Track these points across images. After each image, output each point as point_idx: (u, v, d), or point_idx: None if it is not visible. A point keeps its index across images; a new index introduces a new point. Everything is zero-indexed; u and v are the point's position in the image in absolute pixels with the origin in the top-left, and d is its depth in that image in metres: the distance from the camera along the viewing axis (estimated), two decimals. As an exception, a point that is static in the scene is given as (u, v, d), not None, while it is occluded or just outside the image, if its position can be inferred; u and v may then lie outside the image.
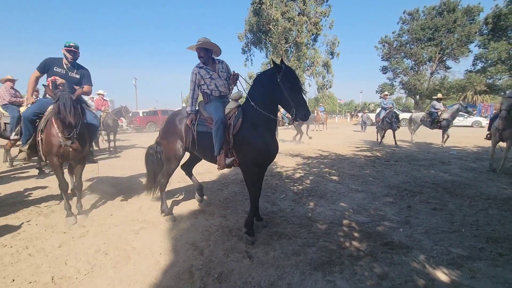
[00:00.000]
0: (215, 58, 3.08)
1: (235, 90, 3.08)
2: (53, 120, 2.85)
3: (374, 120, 19.11)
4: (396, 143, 9.59)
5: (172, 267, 2.18)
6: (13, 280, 1.99)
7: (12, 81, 6.00)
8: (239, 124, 2.67)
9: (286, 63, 2.50)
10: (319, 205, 3.57)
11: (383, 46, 37.29)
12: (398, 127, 9.53)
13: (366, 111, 19.66)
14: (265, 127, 2.61)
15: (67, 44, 3.29)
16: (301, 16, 29.94)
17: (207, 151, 2.88)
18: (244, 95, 2.93)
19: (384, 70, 38.41)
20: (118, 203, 3.72)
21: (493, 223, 2.97)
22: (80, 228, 2.91)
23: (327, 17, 31.06)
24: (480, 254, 2.35)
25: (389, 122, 9.39)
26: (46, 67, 3.23)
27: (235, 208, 3.45)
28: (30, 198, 3.95)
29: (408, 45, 35.59)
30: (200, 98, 3.12)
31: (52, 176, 5.02)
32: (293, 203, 3.67)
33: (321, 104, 22.90)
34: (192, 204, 3.64)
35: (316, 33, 31.37)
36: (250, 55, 34.52)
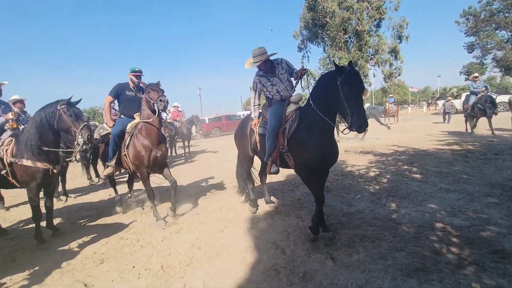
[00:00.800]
0: (272, 59, 3.05)
1: (297, 91, 3.06)
2: (141, 135, 3.40)
3: (460, 108, 16.49)
4: (493, 133, 8.04)
5: (258, 264, 2.33)
6: (133, 267, 2.43)
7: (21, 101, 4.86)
8: (294, 127, 2.69)
9: (352, 66, 2.33)
10: (402, 207, 3.28)
11: (467, 19, 31.50)
12: (495, 114, 7.98)
13: (449, 97, 16.49)
14: (321, 131, 2.53)
15: (133, 70, 3.80)
16: (361, 3, 27.84)
17: (265, 154, 3.02)
18: (304, 94, 2.94)
19: (470, 47, 32.40)
20: (201, 203, 4.13)
21: None
22: (175, 225, 3.35)
23: (392, -2, 28.08)
24: None
25: (482, 108, 7.92)
26: (118, 92, 3.74)
27: (309, 209, 3.45)
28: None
29: (501, 13, 29.29)
30: (263, 100, 3.25)
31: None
32: (372, 204, 3.46)
33: (390, 95, 20.75)
34: (266, 205, 3.79)
35: (380, 17, 28.67)
36: (306, 52, 33.74)
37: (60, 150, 3.22)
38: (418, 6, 77.05)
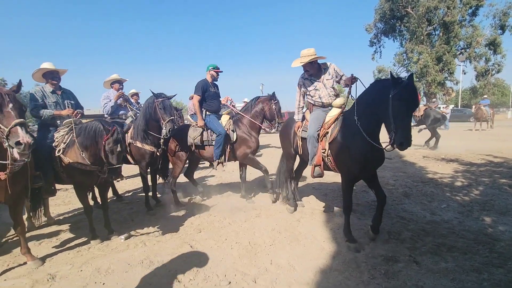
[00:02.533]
0: (320, 62, 3.06)
1: (342, 96, 3.04)
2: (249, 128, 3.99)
3: None
4: None
5: (337, 254, 2.47)
6: (226, 239, 2.86)
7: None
8: (336, 132, 2.70)
9: (412, 80, 2.18)
10: (500, 223, 2.96)
11: None
12: None
13: None
14: (362, 141, 2.45)
15: (215, 66, 4.08)
16: (454, -12, 24.17)
17: (307, 157, 3.08)
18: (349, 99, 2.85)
19: None
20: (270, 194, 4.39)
21: None
22: (253, 210, 3.72)
23: (495, -20, 23.64)
24: None
25: None
26: (203, 90, 3.97)
27: (387, 212, 3.38)
28: (211, 184, 5.36)
29: None
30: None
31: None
32: (460, 215, 3.20)
33: (485, 96, 17.66)
34: (340, 202, 3.85)
35: (477, 4, 24.47)
36: (379, 47, 31.12)
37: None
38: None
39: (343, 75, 3.01)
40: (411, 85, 2.14)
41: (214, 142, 3.87)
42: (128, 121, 4.13)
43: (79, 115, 3.12)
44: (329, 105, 3.04)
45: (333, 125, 2.80)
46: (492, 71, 25.65)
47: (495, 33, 24.52)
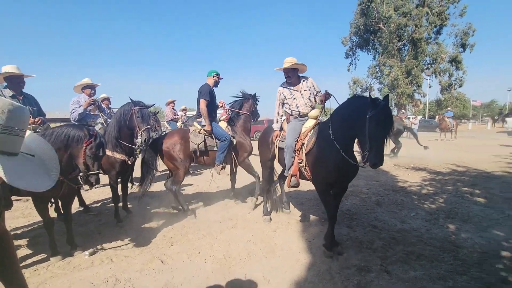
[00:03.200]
0: (301, 75, 3.20)
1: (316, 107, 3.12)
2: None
3: None
4: None
5: (312, 266, 2.47)
6: (199, 253, 2.75)
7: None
8: (312, 143, 2.75)
9: (388, 101, 2.26)
10: (463, 230, 3.13)
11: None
12: None
13: None
14: (336, 154, 2.50)
15: (217, 73, 4.07)
16: (420, 8, 26.07)
17: (284, 167, 3.16)
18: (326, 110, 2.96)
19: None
20: (250, 203, 4.36)
21: None
22: (229, 220, 3.65)
23: (457, 3, 25.86)
24: None
25: None
26: (210, 94, 3.96)
27: (360, 221, 3.47)
28: (188, 192, 5.20)
29: None
30: None
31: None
32: (427, 223, 3.35)
33: (449, 108, 19.02)
34: (315, 210, 3.89)
35: (441, 24, 26.55)
36: (354, 59, 32.63)
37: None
38: (486, 12, 69.22)
39: (319, 91, 3.09)
40: (388, 107, 2.21)
41: (218, 147, 3.92)
42: (97, 128, 3.91)
43: (40, 122, 2.91)
44: (305, 115, 3.12)
45: (308, 135, 2.85)
46: (454, 85, 27.70)
47: (457, 51, 26.65)
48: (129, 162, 3.64)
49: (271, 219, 3.58)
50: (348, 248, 2.78)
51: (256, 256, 2.68)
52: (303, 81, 3.15)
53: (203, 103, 3.90)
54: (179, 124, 7.97)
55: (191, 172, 7.05)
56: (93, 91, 4.13)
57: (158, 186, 5.53)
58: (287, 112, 3.26)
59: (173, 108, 8.13)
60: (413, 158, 8.35)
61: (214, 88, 4.14)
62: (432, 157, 8.57)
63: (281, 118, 3.34)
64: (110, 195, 5.07)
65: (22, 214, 4.10)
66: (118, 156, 3.53)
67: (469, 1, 41.47)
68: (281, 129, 3.31)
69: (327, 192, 2.73)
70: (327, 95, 2.84)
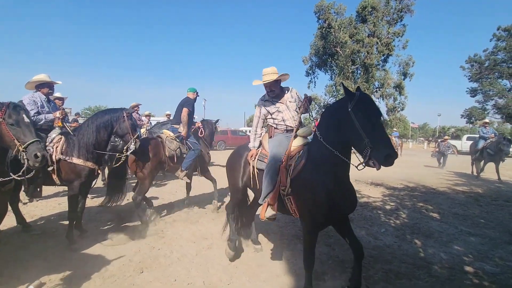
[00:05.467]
0: (284, 86, 2.81)
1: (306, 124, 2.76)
2: None
3: (461, 149, 16.75)
4: (499, 178, 8.26)
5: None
6: (175, 280, 2.44)
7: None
8: (301, 166, 2.24)
9: (362, 90, 2.03)
10: (428, 246, 3.36)
11: (472, 66, 32.99)
12: (503, 160, 8.25)
13: (446, 137, 13.39)
14: (333, 170, 2.08)
15: (195, 90, 4.64)
16: (371, 38, 29.09)
17: (260, 192, 2.51)
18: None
19: (473, 92, 33.60)
20: (221, 217, 4.10)
21: None
22: (204, 240, 3.37)
23: (401, 37, 29.51)
24: None
25: (492, 154, 8.19)
26: (192, 106, 4.50)
27: (337, 238, 3.48)
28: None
29: (504, 64, 30.72)
30: None
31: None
32: (398, 240, 3.53)
33: (395, 129, 21.26)
34: (292, 229, 3.83)
35: (388, 53, 29.93)
36: (314, 77, 34.74)
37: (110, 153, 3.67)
38: (425, 46, 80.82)
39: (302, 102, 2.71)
40: (364, 93, 1.98)
41: (187, 154, 4.25)
42: (54, 134, 3.27)
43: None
44: (292, 130, 2.62)
45: (296, 156, 2.36)
46: (398, 108, 31.14)
47: (400, 78, 30.18)
48: (99, 171, 3.37)
49: (235, 252, 2.91)
50: (332, 268, 2.75)
51: (239, 280, 2.48)
52: (287, 91, 2.75)
53: (186, 111, 4.33)
54: (143, 130, 7.37)
55: (154, 183, 6.50)
56: (51, 90, 3.52)
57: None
58: (270, 125, 2.79)
59: (137, 113, 7.49)
60: (369, 173, 8.98)
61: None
62: (385, 173, 9.33)
63: (259, 137, 2.83)
64: (56, 210, 4.40)
65: None
66: (89, 164, 3.15)
67: (411, 36, 47.67)
68: (259, 146, 2.78)
69: (315, 230, 2.23)
70: (306, 99, 2.59)
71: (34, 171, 2.26)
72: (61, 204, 4.55)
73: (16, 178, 2.16)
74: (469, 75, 33.64)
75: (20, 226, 3.53)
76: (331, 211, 2.10)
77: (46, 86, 3.41)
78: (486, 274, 2.70)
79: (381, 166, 1.77)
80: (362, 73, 30.94)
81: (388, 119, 32.89)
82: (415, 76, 30.56)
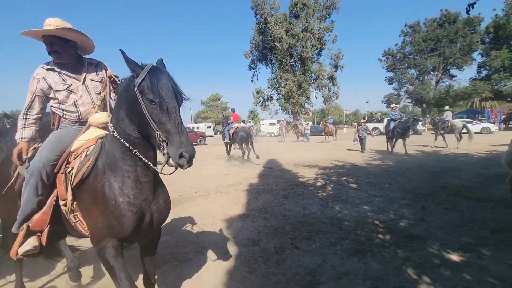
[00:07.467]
0: (86, 57, 2.03)
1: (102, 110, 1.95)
2: None
3: (374, 132, 19.50)
4: (406, 152, 10.09)
5: (239, 255, 2.79)
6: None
7: None
8: (88, 168, 1.59)
9: (160, 63, 1.52)
10: (344, 208, 4.14)
11: (387, 58, 38.40)
12: (408, 137, 10.08)
13: (362, 120, 13.66)
14: (133, 172, 1.54)
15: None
16: (305, 33, 31.25)
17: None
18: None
19: (390, 81, 39.29)
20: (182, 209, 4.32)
21: (497, 218, 3.49)
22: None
23: (330, 32, 32.41)
24: (485, 241, 2.88)
25: (400, 132, 9.94)
26: None
27: (273, 212, 4.05)
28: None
29: (411, 56, 36.55)
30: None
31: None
32: (322, 207, 4.24)
33: (329, 116, 23.57)
34: (235, 210, 4.25)
35: (320, 47, 32.61)
36: (256, 71, 35.85)
37: None
38: (351, 40, 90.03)
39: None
40: (157, 67, 1.45)
41: None
42: None
43: None
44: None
45: (83, 155, 1.67)
46: (333, 97, 34.38)
47: (332, 70, 33.26)
48: None
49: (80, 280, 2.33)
50: (267, 235, 3.25)
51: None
52: (90, 65, 1.98)
53: None
54: None
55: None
56: None
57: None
58: (55, 113, 1.95)
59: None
60: (308, 157, 10.04)
61: None
62: (320, 155, 10.53)
63: (34, 121, 1.90)
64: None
65: None
66: None
67: (339, 31, 52.54)
68: (33, 140, 1.92)
69: (117, 252, 1.50)
70: (108, 77, 1.92)
71: None
72: None
73: None
74: (385, 66, 39.05)
75: None
76: (137, 224, 1.53)
77: None
78: (381, 222, 3.54)
79: (178, 165, 1.34)
80: (299, 66, 33.09)
81: (325, 108, 36.18)
82: (346, 67, 34.25)
